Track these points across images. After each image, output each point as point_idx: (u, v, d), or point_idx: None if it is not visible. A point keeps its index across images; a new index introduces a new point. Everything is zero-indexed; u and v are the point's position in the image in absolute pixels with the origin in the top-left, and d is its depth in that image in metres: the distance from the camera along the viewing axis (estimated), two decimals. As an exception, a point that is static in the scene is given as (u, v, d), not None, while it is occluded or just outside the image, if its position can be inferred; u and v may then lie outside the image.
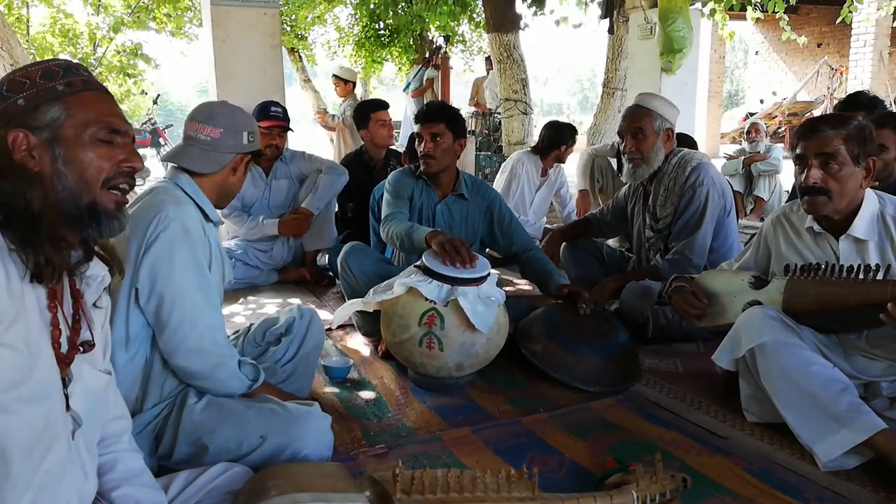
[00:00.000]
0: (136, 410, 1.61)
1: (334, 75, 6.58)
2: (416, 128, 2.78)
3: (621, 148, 2.90)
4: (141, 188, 1.77)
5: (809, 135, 1.87)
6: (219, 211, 1.81)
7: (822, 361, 1.79)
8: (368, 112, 4.07)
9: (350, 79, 6.57)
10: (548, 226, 4.83)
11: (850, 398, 1.70)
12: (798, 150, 1.90)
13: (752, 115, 13.56)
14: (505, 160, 5.87)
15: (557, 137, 4.62)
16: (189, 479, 1.43)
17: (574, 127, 4.80)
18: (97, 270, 1.16)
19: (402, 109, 9.30)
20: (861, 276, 1.76)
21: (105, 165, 1.10)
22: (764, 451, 1.85)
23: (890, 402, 1.85)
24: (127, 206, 1.16)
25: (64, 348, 1.06)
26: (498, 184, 4.78)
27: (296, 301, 3.47)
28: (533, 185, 4.69)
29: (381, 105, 4.15)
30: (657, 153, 2.81)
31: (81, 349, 1.10)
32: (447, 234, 2.30)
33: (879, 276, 1.73)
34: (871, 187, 1.94)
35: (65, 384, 1.06)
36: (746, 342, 1.86)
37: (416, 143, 2.77)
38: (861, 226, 1.87)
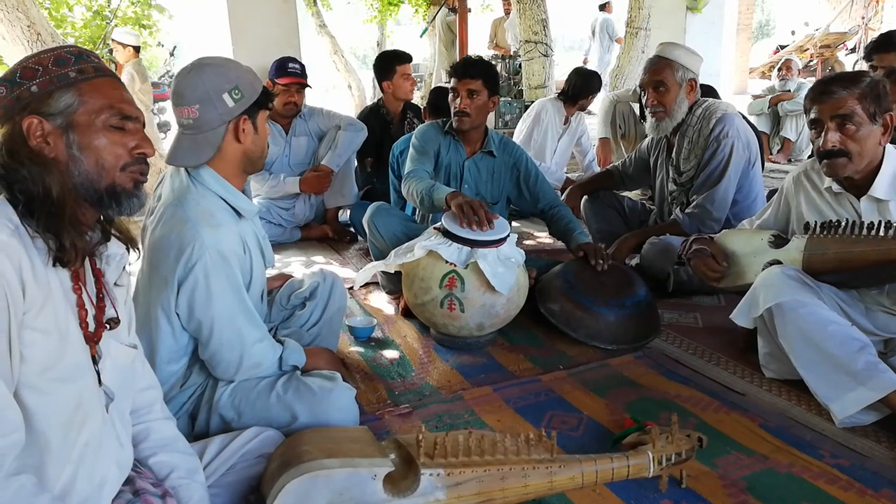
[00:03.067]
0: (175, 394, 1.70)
1: (113, 39, 5.53)
2: (452, 82, 2.70)
3: (644, 101, 2.84)
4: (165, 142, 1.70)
5: (822, 98, 1.83)
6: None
7: (840, 320, 1.79)
8: (394, 64, 3.99)
9: (131, 43, 5.48)
10: (569, 175, 4.78)
11: (867, 357, 1.71)
12: (812, 115, 1.86)
13: (782, 47, 13.05)
14: (525, 106, 5.77)
15: (585, 86, 4.54)
16: (223, 443, 1.51)
17: (599, 76, 4.71)
18: (116, 249, 1.21)
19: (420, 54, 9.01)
20: (882, 233, 1.75)
21: (120, 151, 1.13)
22: (781, 407, 1.88)
23: (909, 359, 1.86)
24: (145, 184, 1.19)
25: (91, 327, 1.12)
26: (520, 130, 4.72)
27: (319, 259, 3.53)
28: (556, 132, 4.62)
29: (407, 58, 4.09)
30: (680, 105, 2.76)
31: (108, 326, 1.16)
32: (466, 196, 2.30)
33: (902, 234, 1.72)
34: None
35: (95, 361, 1.13)
36: (764, 302, 1.87)
37: (451, 97, 2.70)
38: (882, 185, 1.84)
